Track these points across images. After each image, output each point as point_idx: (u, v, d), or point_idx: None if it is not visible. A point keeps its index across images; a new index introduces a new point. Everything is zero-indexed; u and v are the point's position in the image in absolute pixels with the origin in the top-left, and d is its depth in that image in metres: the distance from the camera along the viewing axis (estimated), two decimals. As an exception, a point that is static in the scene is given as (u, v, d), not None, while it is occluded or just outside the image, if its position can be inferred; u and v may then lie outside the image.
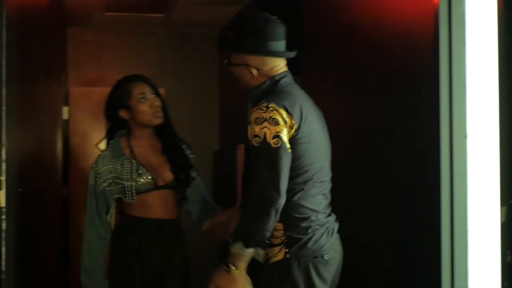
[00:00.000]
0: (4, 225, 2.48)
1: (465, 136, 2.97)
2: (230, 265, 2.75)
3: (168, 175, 3.39)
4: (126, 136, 3.42)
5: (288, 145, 2.74)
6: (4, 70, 2.49)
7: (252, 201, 2.73)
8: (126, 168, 3.31)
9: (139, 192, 3.32)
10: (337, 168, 3.10)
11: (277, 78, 2.92)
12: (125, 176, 3.31)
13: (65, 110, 7.25)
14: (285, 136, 2.73)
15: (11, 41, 2.79)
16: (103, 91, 7.41)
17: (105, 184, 3.32)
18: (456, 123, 2.97)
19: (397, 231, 3.47)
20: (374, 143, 3.76)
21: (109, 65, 7.76)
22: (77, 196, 7.27)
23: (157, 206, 3.38)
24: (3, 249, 2.47)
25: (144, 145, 3.41)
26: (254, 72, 2.91)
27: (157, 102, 3.37)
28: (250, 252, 2.73)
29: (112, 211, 3.36)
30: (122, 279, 3.38)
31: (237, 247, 2.72)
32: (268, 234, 2.72)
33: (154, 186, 3.34)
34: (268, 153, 2.72)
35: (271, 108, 2.75)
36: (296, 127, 2.77)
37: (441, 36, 3.00)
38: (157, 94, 3.40)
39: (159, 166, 3.40)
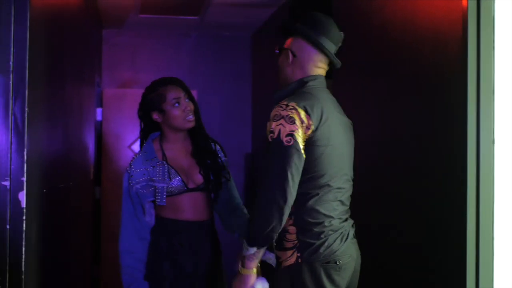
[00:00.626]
0: (24, 226, 2.49)
1: (492, 142, 2.92)
2: (239, 264, 2.81)
3: (198, 178, 3.42)
4: (159, 139, 3.45)
5: (301, 146, 2.73)
6: (27, 72, 2.50)
7: (258, 201, 2.73)
8: (158, 171, 3.35)
9: (170, 194, 3.35)
10: (365, 170, 3.08)
11: (305, 80, 2.94)
12: (157, 178, 3.34)
13: (98, 112, 7.31)
14: (299, 137, 2.73)
15: (38, 42, 2.81)
16: (136, 93, 7.53)
17: (138, 186, 3.35)
18: (483, 128, 2.93)
19: (422, 235, 3.44)
20: (400, 146, 3.72)
21: (143, 67, 7.81)
22: (110, 196, 7.33)
23: (188, 208, 3.40)
24: (23, 249, 2.48)
25: (176, 148, 3.44)
26: (290, 57, 2.96)
27: (190, 107, 3.39)
28: (256, 251, 2.75)
29: (152, 212, 3.39)
30: (155, 280, 3.39)
31: (243, 247, 2.78)
32: (274, 235, 2.73)
33: (185, 189, 3.37)
34: (278, 150, 2.72)
35: (290, 107, 2.76)
36: (313, 129, 2.76)
37: (469, 40, 2.96)
38: (191, 98, 3.43)
39: (190, 169, 3.42)
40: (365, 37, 4.35)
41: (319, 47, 2.93)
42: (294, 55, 2.95)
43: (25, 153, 2.49)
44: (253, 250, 2.76)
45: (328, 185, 2.82)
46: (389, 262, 3.12)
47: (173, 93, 3.37)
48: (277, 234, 2.74)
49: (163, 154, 3.39)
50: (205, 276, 3.44)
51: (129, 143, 7.48)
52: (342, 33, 3.00)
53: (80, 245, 5.42)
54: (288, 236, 2.81)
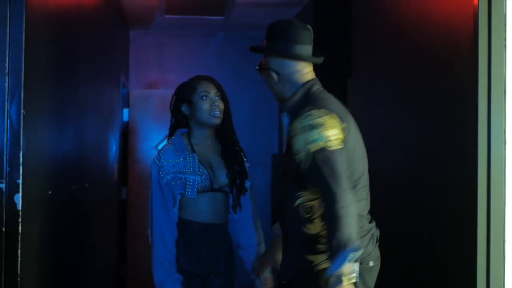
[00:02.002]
0: (20, 228, 2.48)
1: (504, 142, 2.86)
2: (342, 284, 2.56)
3: (223, 179, 3.37)
4: (187, 135, 3.42)
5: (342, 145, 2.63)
6: (23, 74, 2.49)
7: (334, 213, 2.56)
8: (188, 163, 3.32)
9: (198, 190, 3.31)
10: (379, 169, 3.04)
11: (308, 85, 2.82)
12: (188, 170, 3.31)
13: (125, 112, 7.34)
14: (342, 138, 2.64)
15: (39, 43, 2.81)
16: (163, 94, 7.57)
17: (169, 178, 3.31)
18: (494, 128, 2.86)
19: (433, 236, 3.39)
20: (413, 145, 3.68)
21: (169, 67, 7.83)
22: (136, 196, 7.35)
23: (207, 209, 3.36)
24: (19, 252, 2.48)
25: (203, 145, 3.40)
26: (274, 76, 2.84)
27: (219, 104, 3.35)
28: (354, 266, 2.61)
29: (180, 204, 3.33)
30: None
31: (345, 269, 2.53)
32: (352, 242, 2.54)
33: (210, 187, 3.33)
34: (335, 157, 2.59)
35: (323, 113, 2.65)
36: (346, 131, 2.69)
37: (480, 39, 2.89)
38: (222, 98, 3.40)
39: (217, 169, 3.38)
40: (383, 38, 4.31)
41: (297, 58, 2.82)
42: (278, 73, 2.85)
43: (20, 155, 2.48)
44: (353, 264, 2.58)
45: (358, 184, 2.75)
46: (399, 264, 3.08)
47: (203, 86, 3.36)
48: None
49: (192, 148, 3.36)
50: (217, 278, 3.41)
51: (155, 143, 7.50)
52: (309, 27, 2.85)
53: (104, 245, 5.43)
54: (321, 240, 2.71)
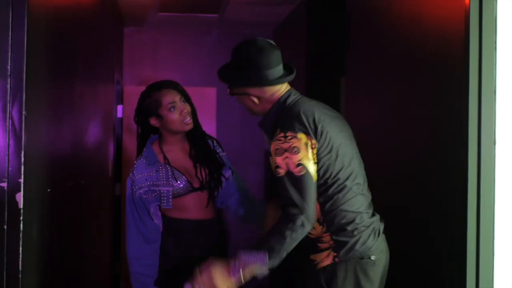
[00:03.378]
0: (21, 226, 2.54)
1: (493, 143, 2.91)
2: (240, 272, 2.78)
3: (201, 177, 3.44)
4: (158, 142, 3.47)
5: (311, 169, 2.76)
6: (24, 75, 2.55)
7: (280, 224, 2.76)
8: (161, 174, 3.36)
9: (177, 196, 3.38)
10: (370, 168, 3.10)
11: (281, 100, 2.94)
12: (162, 182, 3.35)
13: (119, 109, 7.37)
14: (309, 161, 2.76)
15: (40, 43, 2.86)
16: (157, 90, 7.57)
17: (141, 191, 3.36)
18: (485, 129, 2.92)
19: (422, 235, 3.44)
20: (404, 145, 3.73)
21: (163, 64, 7.87)
22: (130, 193, 7.38)
23: (194, 207, 3.44)
24: (20, 249, 2.53)
25: (176, 150, 3.46)
26: (256, 100, 2.95)
27: (187, 109, 3.41)
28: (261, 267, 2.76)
29: (159, 214, 3.40)
30: (165, 282, 3.44)
31: (259, 261, 2.76)
32: (285, 254, 2.75)
33: (190, 189, 3.40)
34: (292, 181, 2.74)
35: (289, 137, 2.77)
36: (317, 145, 2.80)
37: (471, 40, 2.95)
38: (187, 100, 3.44)
39: (192, 169, 3.44)
40: (376, 37, 4.36)
41: (274, 84, 2.91)
42: (259, 98, 2.94)
43: (22, 155, 2.54)
44: (266, 269, 2.76)
45: (346, 185, 2.86)
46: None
47: (168, 98, 3.38)
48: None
49: (165, 157, 3.41)
50: None
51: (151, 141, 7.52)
52: (274, 44, 2.94)
53: (98, 242, 5.48)
54: (323, 239, 2.86)
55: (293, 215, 2.72)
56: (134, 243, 3.41)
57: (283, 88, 2.97)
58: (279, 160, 2.76)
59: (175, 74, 7.88)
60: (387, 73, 4.08)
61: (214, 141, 3.60)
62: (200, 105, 7.38)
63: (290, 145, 2.75)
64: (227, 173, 3.53)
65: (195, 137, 3.51)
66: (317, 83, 5.93)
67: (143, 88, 7.25)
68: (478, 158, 2.92)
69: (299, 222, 2.72)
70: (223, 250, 3.55)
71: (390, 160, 3.98)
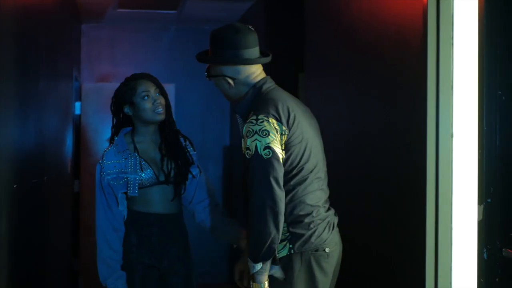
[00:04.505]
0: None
1: (451, 135, 3.00)
2: (250, 280, 2.87)
3: (167, 170, 3.48)
4: (131, 133, 3.53)
5: (279, 154, 2.81)
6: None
7: (252, 218, 2.81)
8: (130, 162, 3.43)
9: (142, 186, 3.43)
10: (332, 161, 3.15)
11: (258, 85, 2.98)
12: (130, 169, 3.42)
13: (77, 105, 7.35)
14: (277, 145, 2.80)
15: (5, 39, 2.86)
16: (115, 87, 7.54)
17: (109, 178, 3.42)
18: (442, 122, 3.00)
19: (382, 227, 3.52)
20: (362, 139, 3.80)
21: (121, 61, 7.85)
22: (88, 189, 7.36)
23: (158, 201, 3.47)
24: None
25: (147, 141, 3.51)
26: (230, 81, 2.98)
27: (160, 100, 3.47)
28: (263, 265, 2.81)
29: (124, 202, 3.45)
30: (127, 272, 3.46)
31: (249, 265, 2.84)
32: (275, 246, 2.80)
33: (156, 181, 3.45)
34: (260, 165, 2.79)
35: (260, 120, 2.82)
36: (287, 132, 2.85)
37: (429, 36, 3.03)
38: (162, 93, 3.50)
39: (162, 162, 3.50)
40: (335, 34, 4.42)
41: (249, 63, 2.97)
42: (233, 79, 2.98)
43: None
44: (259, 265, 2.82)
45: (309, 177, 2.91)
46: (346, 263, 3.20)
47: (143, 86, 3.46)
48: (277, 244, 2.82)
49: (135, 147, 3.47)
50: (174, 268, 3.51)
51: (108, 136, 7.49)
52: (252, 28, 3.00)
53: (58, 239, 5.46)
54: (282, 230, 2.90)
55: (264, 205, 2.77)
56: (103, 229, 3.46)
57: (258, 72, 3.01)
58: (249, 142, 2.82)
59: (133, 70, 7.74)
60: (346, 68, 4.15)
61: (187, 140, 3.64)
62: (158, 101, 7.42)
63: (261, 128, 2.80)
64: (195, 171, 3.57)
65: (167, 132, 3.55)
66: (275, 78, 5.97)
67: (101, 84, 7.25)
68: (436, 151, 3.00)
69: (271, 212, 2.77)
70: (186, 245, 3.59)
71: (349, 155, 4.04)
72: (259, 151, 2.78)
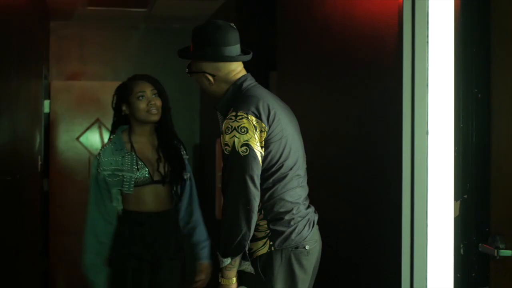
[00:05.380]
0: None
1: (426, 133, 3.03)
2: (219, 275, 2.88)
3: (163, 171, 3.60)
4: (128, 132, 3.64)
5: (257, 152, 2.81)
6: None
7: (225, 212, 2.83)
8: (126, 160, 3.54)
9: (136, 184, 3.54)
10: (308, 160, 3.17)
11: (238, 83, 2.99)
12: (126, 167, 3.53)
13: (46, 104, 7.28)
14: (255, 143, 2.81)
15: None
16: (84, 85, 7.54)
17: (106, 173, 3.54)
18: (418, 119, 3.04)
19: (357, 224, 3.55)
20: (338, 137, 3.83)
21: (91, 59, 7.80)
22: (58, 188, 7.31)
23: (150, 200, 3.59)
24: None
25: (143, 141, 3.62)
26: (210, 78, 2.98)
27: (156, 101, 3.58)
28: (232, 261, 2.82)
29: (119, 197, 3.56)
30: (117, 268, 3.58)
31: (219, 258, 2.84)
32: (246, 243, 2.81)
33: (150, 180, 3.56)
34: (236, 162, 2.80)
35: (239, 117, 2.82)
36: (267, 129, 2.85)
37: (405, 35, 3.06)
38: (159, 94, 3.62)
39: (157, 163, 3.60)
40: (308, 33, 4.44)
41: (229, 60, 2.97)
42: (213, 75, 2.98)
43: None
44: (228, 260, 2.83)
45: (289, 174, 2.92)
46: (324, 261, 3.23)
47: (139, 87, 3.58)
48: (249, 242, 2.82)
49: (132, 146, 3.59)
50: (166, 262, 3.62)
51: (77, 135, 7.47)
52: (234, 26, 3.00)
53: (29, 238, 5.41)
54: (260, 228, 2.91)
55: (240, 200, 2.78)
56: (93, 220, 3.57)
57: (238, 69, 3.02)
58: (227, 138, 2.82)
59: (102, 69, 7.83)
60: (320, 67, 4.17)
61: (182, 145, 3.75)
62: (128, 99, 7.37)
63: (240, 125, 2.81)
64: (186, 176, 3.69)
65: (164, 134, 3.66)
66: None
67: (70, 82, 7.23)
68: (412, 148, 3.04)
69: (245, 208, 2.78)
70: (178, 241, 3.69)
71: (323, 154, 4.07)
72: (236, 148, 2.79)
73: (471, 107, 2.66)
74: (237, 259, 2.84)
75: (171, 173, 3.61)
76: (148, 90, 3.58)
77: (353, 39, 3.65)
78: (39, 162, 6.29)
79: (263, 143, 2.85)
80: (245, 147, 2.79)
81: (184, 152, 3.74)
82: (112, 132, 3.70)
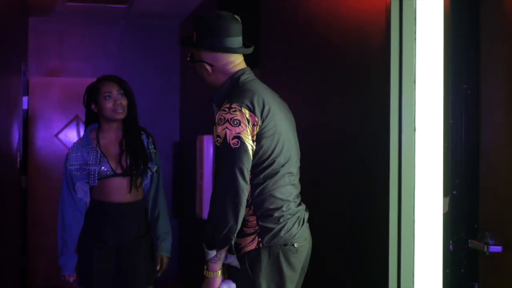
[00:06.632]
0: None
1: (413, 129, 3.04)
2: (204, 268, 2.86)
3: (125, 164, 3.88)
4: (96, 129, 3.95)
5: (248, 145, 2.80)
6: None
7: (212, 204, 2.82)
8: (91, 155, 3.86)
9: (101, 177, 3.84)
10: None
11: (236, 76, 2.97)
12: (91, 162, 3.84)
13: (24, 100, 7.22)
14: (247, 136, 2.80)
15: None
16: (63, 82, 7.48)
17: (72, 168, 3.85)
18: (405, 116, 3.04)
19: (344, 221, 3.55)
20: (325, 134, 3.82)
21: (70, 55, 7.75)
22: (36, 185, 7.25)
23: (115, 191, 3.89)
24: None
25: (109, 137, 3.93)
26: (208, 68, 2.97)
27: (121, 101, 3.88)
28: (218, 254, 2.80)
29: (86, 190, 3.87)
30: (83, 258, 3.89)
31: (204, 251, 2.82)
32: (232, 236, 2.79)
33: (113, 174, 3.85)
34: (227, 154, 2.79)
35: (233, 109, 2.81)
36: (260, 124, 2.84)
37: (392, 31, 3.07)
38: (126, 94, 3.92)
39: (119, 156, 3.89)
40: (292, 30, 4.44)
41: (229, 51, 2.97)
42: (211, 65, 2.98)
43: None
44: (213, 253, 2.80)
45: (280, 171, 2.91)
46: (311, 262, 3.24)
47: (106, 88, 3.87)
48: (235, 235, 2.80)
49: (98, 142, 3.89)
50: (132, 249, 3.91)
51: (56, 131, 7.41)
52: (237, 17, 3.00)
53: (8, 236, 5.36)
54: (249, 223, 2.89)
55: (228, 192, 2.78)
56: (66, 210, 3.88)
57: (238, 61, 3.00)
58: (219, 129, 2.81)
59: (82, 65, 7.78)
60: (304, 65, 4.17)
61: (150, 138, 4.04)
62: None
63: (232, 117, 2.80)
64: (152, 168, 4.00)
65: (129, 129, 3.94)
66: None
67: (49, 79, 7.25)
68: (399, 144, 3.04)
69: (233, 200, 2.77)
70: (147, 228, 4.00)
71: (310, 151, 4.06)
72: (228, 140, 2.78)
73: (460, 103, 2.67)
74: (223, 252, 2.82)
75: (133, 166, 3.87)
76: (114, 90, 3.87)
77: (338, 37, 3.65)
78: (18, 159, 6.24)
79: (255, 137, 2.84)
80: (236, 140, 2.78)
81: (152, 146, 4.01)
82: (85, 129, 3.98)
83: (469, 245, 2.59)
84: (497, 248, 2.47)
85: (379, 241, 3.12)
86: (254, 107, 2.83)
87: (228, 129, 2.79)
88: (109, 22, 7.83)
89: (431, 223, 2.95)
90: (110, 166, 3.85)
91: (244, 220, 2.88)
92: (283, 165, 2.91)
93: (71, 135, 7.41)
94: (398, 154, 3.04)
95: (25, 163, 7.24)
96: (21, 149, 6.38)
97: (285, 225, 2.88)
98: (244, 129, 2.79)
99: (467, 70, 2.66)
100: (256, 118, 2.82)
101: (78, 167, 3.86)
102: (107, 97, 3.85)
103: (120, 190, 3.89)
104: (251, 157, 2.82)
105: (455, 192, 2.65)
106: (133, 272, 3.89)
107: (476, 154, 2.63)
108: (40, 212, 7.22)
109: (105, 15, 7.57)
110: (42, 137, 7.38)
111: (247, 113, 2.81)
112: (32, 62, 7.65)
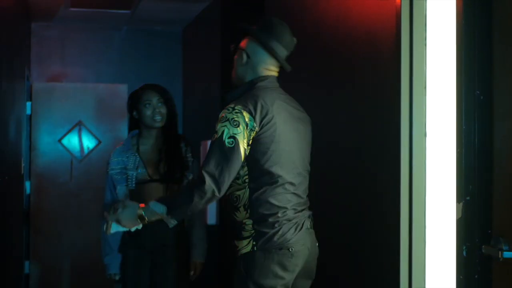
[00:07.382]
0: None
1: (424, 135, 3.04)
2: (143, 215, 2.99)
3: (163, 171, 4.00)
4: (137, 135, 4.10)
5: (242, 148, 2.89)
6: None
7: (191, 185, 2.94)
8: (131, 161, 4.00)
9: (138, 182, 3.97)
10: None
11: (255, 81, 3.07)
12: (130, 166, 3.99)
13: (27, 105, 7.21)
14: (243, 139, 2.89)
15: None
16: (66, 87, 7.46)
17: (113, 172, 4.02)
18: (416, 121, 3.04)
19: (356, 226, 3.54)
20: (335, 140, 3.82)
21: (72, 61, 7.74)
22: (40, 191, 7.23)
23: (152, 197, 3.76)
24: None
25: (149, 144, 4.08)
26: (244, 57, 3.09)
27: (161, 109, 4.01)
28: (162, 214, 2.94)
29: (127, 193, 3.98)
30: (122, 263, 4.03)
31: (161, 209, 2.92)
32: (189, 213, 2.95)
33: (149, 179, 3.98)
34: (220, 149, 2.88)
35: (236, 110, 2.91)
36: (257, 130, 2.92)
37: (403, 37, 3.06)
38: (166, 103, 4.05)
39: (158, 163, 4.01)
40: (299, 36, 4.41)
41: (270, 52, 3.08)
42: (248, 56, 3.09)
43: None
44: (167, 217, 2.92)
45: (278, 180, 2.97)
46: (321, 258, 3.22)
47: (147, 95, 4.02)
48: (191, 212, 2.94)
49: (137, 148, 4.05)
50: (167, 254, 4.00)
51: (59, 137, 7.39)
52: (294, 39, 3.14)
53: (12, 242, 5.36)
54: (245, 227, 2.99)
55: (207, 184, 2.85)
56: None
57: (271, 68, 3.12)
58: (218, 126, 2.91)
59: (84, 71, 7.77)
60: (313, 70, 4.16)
61: (189, 147, 4.14)
62: (110, 102, 7.33)
63: (233, 118, 2.89)
64: (189, 176, 4.05)
65: (168, 137, 4.07)
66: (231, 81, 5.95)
67: (52, 84, 7.28)
68: (410, 150, 3.04)
69: (209, 192, 2.85)
70: (184, 234, 4.07)
71: (321, 157, 4.05)
72: (224, 138, 2.87)
73: (473, 109, 2.66)
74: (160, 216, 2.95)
75: (169, 173, 3.96)
76: (154, 99, 4.01)
77: (347, 42, 3.64)
78: (22, 165, 6.23)
79: (250, 142, 2.92)
80: (232, 139, 2.88)
81: (190, 154, 4.10)
82: (128, 135, 4.14)
83: (483, 251, 2.58)
84: (511, 254, 2.46)
85: (390, 247, 3.11)
86: (255, 112, 2.92)
87: (227, 127, 2.88)
88: (111, 27, 7.83)
89: (444, 229, 2.94)
90: (147, 172, 3.98)
91: (242, 224, 3.00)
92: (280, 176, 2.98)
93: (74, 141, 7.39)
94: (409, 159, 3.04)
95: (29, 169, 7.22)
96: (25, 154, 6.36)
97: (279, 230, 2.94)
98: (241, 131, 2.89)
99: (479, 75, 2.66)
100: (254, 123, 2.91)
101: (118, 171, 4.02)
102: (147, 105, 3.99)
103: (156, 196, 3.84)
104: (242, 159, 2.90)
105: (468, 198, 2.64)
106: (166, 278, 4.00)
107: (489, 160, 2.62)
108: (43, 218, 7.20)
109: (108, 20, 7.56)
110: (45, 142, 7.36)
111: (247, 116, 2.91)
112: (34, 67, 7.64)
